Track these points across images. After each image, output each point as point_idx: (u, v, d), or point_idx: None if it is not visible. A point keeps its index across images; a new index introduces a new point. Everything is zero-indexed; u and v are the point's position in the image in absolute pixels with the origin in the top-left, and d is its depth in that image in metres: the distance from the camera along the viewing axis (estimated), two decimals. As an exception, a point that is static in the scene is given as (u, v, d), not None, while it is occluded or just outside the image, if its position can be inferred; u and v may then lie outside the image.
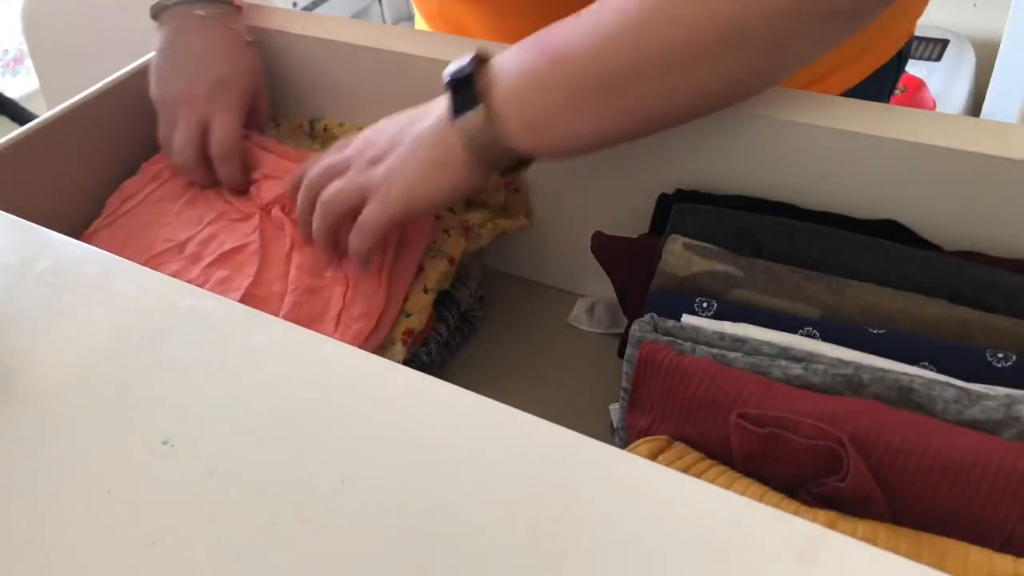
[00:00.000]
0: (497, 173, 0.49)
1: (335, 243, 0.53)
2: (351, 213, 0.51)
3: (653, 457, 0.40)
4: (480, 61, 0.48)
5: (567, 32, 0.45)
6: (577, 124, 0.46)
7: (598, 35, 0.44)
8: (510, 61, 0.47)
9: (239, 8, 0.65)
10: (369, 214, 0.50)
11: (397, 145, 0.50)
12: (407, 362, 0.55)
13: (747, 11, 0.41)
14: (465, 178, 0.48)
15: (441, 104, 0.49)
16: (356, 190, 0.50)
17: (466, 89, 0.47)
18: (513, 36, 0.49)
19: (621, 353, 0.54)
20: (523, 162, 0.49)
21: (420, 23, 0.76)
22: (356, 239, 0.51)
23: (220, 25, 0.63)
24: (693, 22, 0.42)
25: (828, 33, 0.43)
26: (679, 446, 0.40)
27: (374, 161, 0.50)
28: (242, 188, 0.62)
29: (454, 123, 0.47)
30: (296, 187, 0.54)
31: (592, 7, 0.45)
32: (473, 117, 0.46)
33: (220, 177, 0.62)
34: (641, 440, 0.41)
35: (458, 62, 0.48)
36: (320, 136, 0.66)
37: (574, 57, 0.44)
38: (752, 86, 0.46)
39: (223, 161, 0.61)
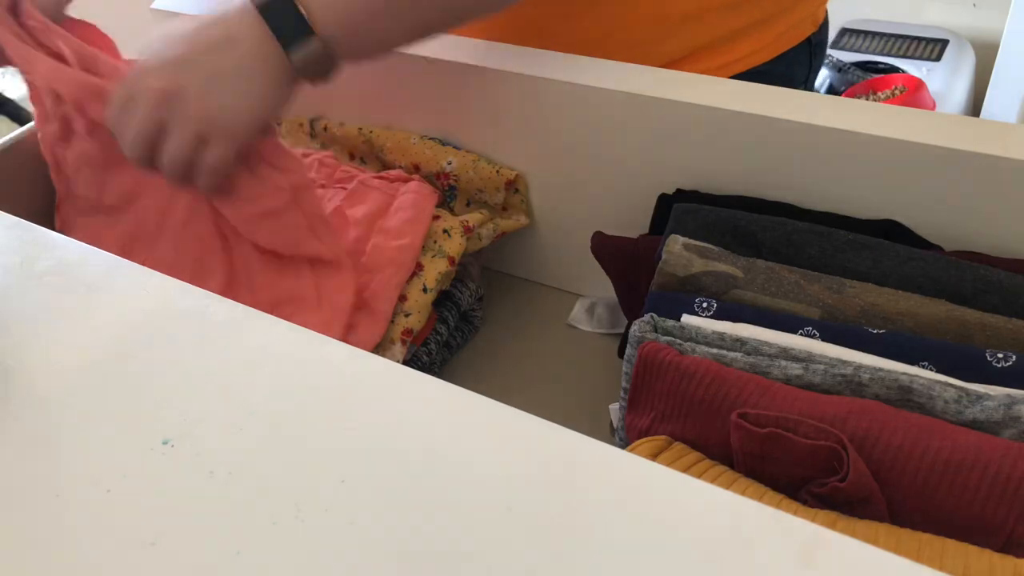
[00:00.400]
0: (311, 82, 0.51)
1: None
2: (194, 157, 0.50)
3: (653, 457, 0.40)
4: None
5: None
6: (391, 31, 0.52)
7: None
8: None
9: None
10: (212, 157, 0.49)
11: (214, 77, 0.49)
12: (407, 362, 0.55)
13: None
14: (292, 91, 0.51)
15: (248, 27, 0.49)
16: (192, 139, 0.49)
17: (285, 14, 0.48)
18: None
19: (621, 353, 0.54)
20: (336, 68, 0.52)
21: None
22: (209, 182, 0.50)
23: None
24: None
25: None
26: (679, 446, 0.40)
27: (194, 101, 0.48)
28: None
29: (285, 54, 0.49)
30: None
31: None
32: (309, 47, 0.49)
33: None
34: (641, 440, 0.41)
35: None
36: (320, 135, 0.66)
37: None
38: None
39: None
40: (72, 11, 0.59)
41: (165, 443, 0.32)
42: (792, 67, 0.71)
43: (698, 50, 0.65)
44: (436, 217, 0.58)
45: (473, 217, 0.59)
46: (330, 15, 0.49)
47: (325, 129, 0.65)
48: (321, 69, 0.51)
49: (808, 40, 0.71)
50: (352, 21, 0.50)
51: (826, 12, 0.75)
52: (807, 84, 0.74)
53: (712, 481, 0.38)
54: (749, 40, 0.67)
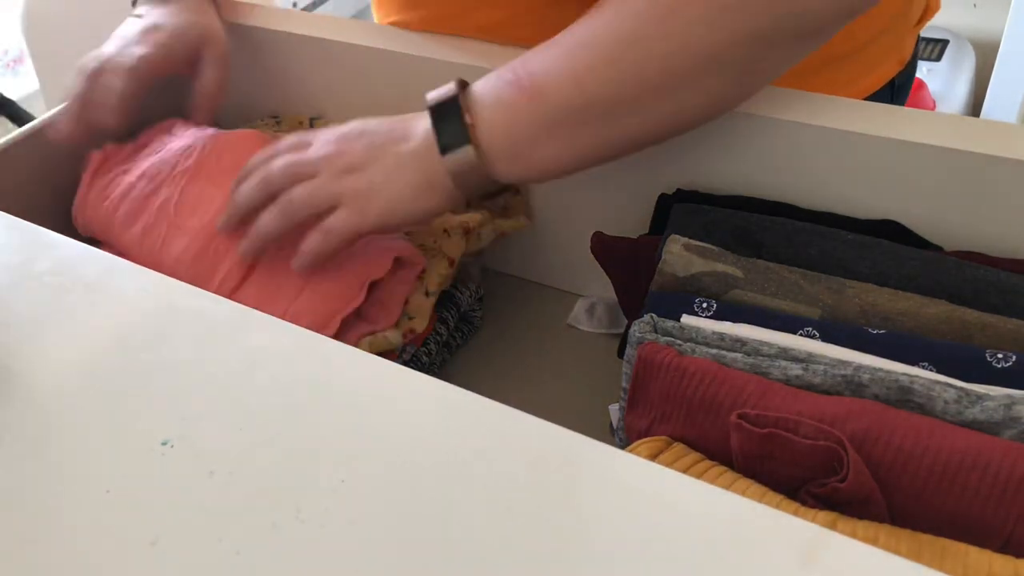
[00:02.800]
0: (477, 198, 0.50)
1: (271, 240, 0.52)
2: (314, 218, 0.50)
3: (652, 458, 0.40)
4: (461, 88, 0.49)
5: (543, 65, 0.47)
6: (556, 154, 0.48)
7: (574, 69, 0.46)
8: (490, 94, 0.48)
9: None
10: (340, 221, 0.49)
11: (377, 159, 0.50)
12: (407, 362, 0.55)
13: (718, 42, 0.43)
14: (445, 203, 0.50)
15: (423, 127, 0.49)
16: (328, 196, 0.50)
17: (451, 119, 0.48)
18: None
19: (621, 353, 0.54)
20: (504, 188, 0.50)
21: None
22: (320, 243, 0.50)
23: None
24: (666, 56, 0.44)
25: (796, 51, 0.45)
26: (678, 447, 0.40)
27: (349, 170, 0.50)
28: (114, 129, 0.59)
29: (441, 158, 0.48)
30: (245, 176, 0.53)
31: (565, 36, 0.47)
32: (464, 154, 0.47)
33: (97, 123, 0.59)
34: (640, 441, 0.41)
35: (440, 90, 0.49)
36: None
37: (551, 92, 0.46)
38: (725, 107, 0.48)
39: (102, 80, 0.58)
40: (77, 13, 0.60)
41: (165, 443, 0.32)
42: None
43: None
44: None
45: (473, 218, 0.59)
46: (491, 131, 0.47)
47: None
48: (477, 182, 0.49)
49: (891, 83, 0.67)
50: (511, 143, 0.47)
51: (914, 42, 0.70)
52: None
53: (712, 482, 0.38)
54: (814, 86, 0.61)
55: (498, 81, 0.48)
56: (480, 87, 0.49)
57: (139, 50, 0.59)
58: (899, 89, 0.69)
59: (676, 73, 0.44)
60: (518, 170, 0.48)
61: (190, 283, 0.39)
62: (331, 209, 0.49)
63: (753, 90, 0.47)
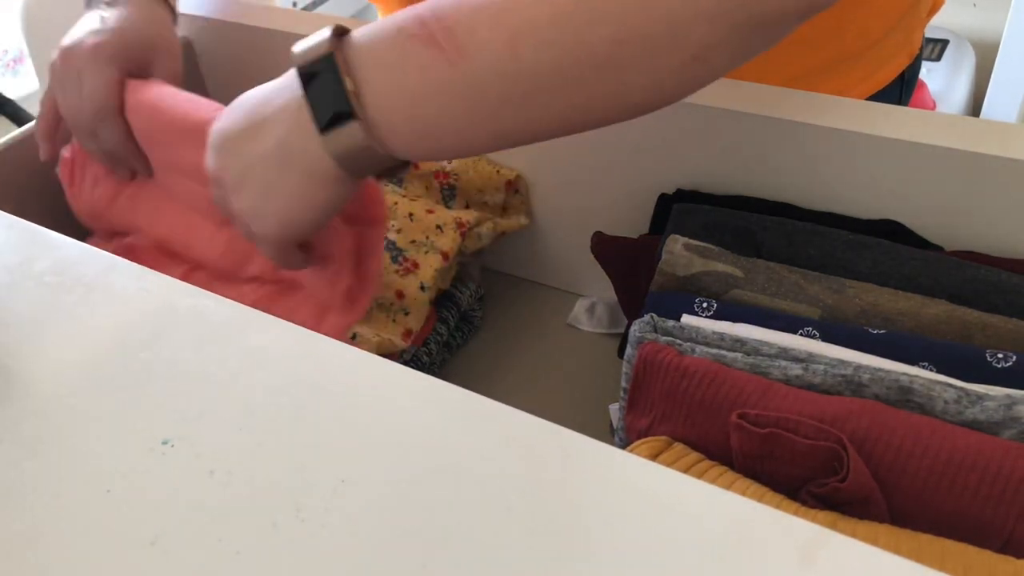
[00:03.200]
0: (373, 177, 0.43)
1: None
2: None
3: (653, 458, 0.40)
4: (338, 40, 0.38)
5: (463, 16, 0.37)
6: (475, 130, 0.39)
7: (506, 27, 0.36)
8: (385, 49, 0.38)
9: None
10: (267, 254, 0.45)
11: (247, 169, 0.42)
12: (407, 362, 0.55)
13: (677, 15, 0.35)
14: (341, 192, 0.41)
15: (289, 103, 0.40)
16: (245, 231, 0.44)
17: (328, 85, 0.38)
18: None
19: (621, 353, 0.54)
20: (403, 165, 0.42)
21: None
22: (279, 266, 0.46)
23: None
24: (619, 22, 0.36)
25: (750, 45, 0.38)
26: (679, 447, 0.40)
27: (234, 190, 0.43)
28: (126, 159, 0.55)
29: (318, 137, 0.39)
30: None
31: None
32: (347, 132, 0.38)
33: (97, 143, 0.54)
34: (640, 441, 0.41)
35: (308, 42, 0.39)
36: None
37: (477, 52, 0.36)
38: (666, 98, 0.39)
39: (99, 120, 0.53)
40: (77, 14, 0.60)
41: (165, 443, 0.32)
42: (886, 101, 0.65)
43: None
44: (430, 211, 0.58)
45: (468, 214, 0.59)
46: (386, 99, 0.38)
47: None
48: (369, 164, 0.40)
49: (901, 76, 0.66)
50: (413, 115, 0.38)
51: (921, 37, 0.67)
52: None
53: (712, 482, 0.38)
54: (830, 81, 0.61)
55: (397, 33, 0.38)
56: (367, 37, 0.39)
57: (93, 39, 0.54)
58: (908, 82, 0.67)
59: (627, 44, 0.36)
60: (424, 147, 0.39)
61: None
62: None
63: (702, 79, 0.39)
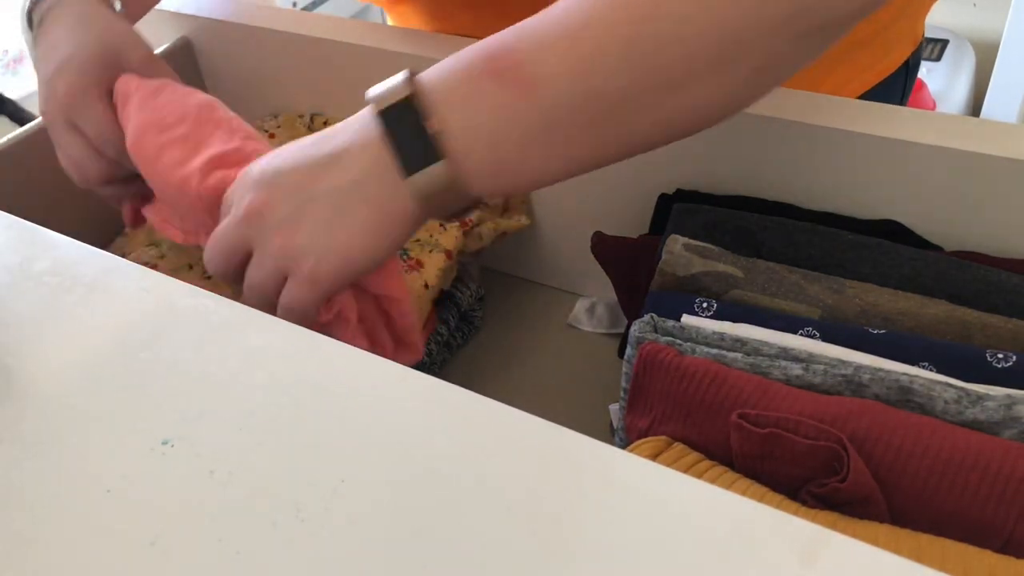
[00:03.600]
0: (442, 219, 0.41)
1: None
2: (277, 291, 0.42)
3: (653, 458, 0.40)
4: (412, 83, 0.39)
5: (533, 48, 0.38)
6: (548, 162, 0.39)
7: (576, 56, 0.37)
8: (458, 89, 0.38)
9: None
10: (294, 298, 0.41)
11: (307, 203, 0.40)
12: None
13: (743, 25, 0.36)
14: (408, 232, 0.41)
15: (370, 144, 0.39)
16: (272, 271, 0.41)
17: (408, 129, 0.38)
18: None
19: (621, 353, 0.54)
20: (476, 204, 0.41)
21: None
22: (291, 318, 0.41)
23: (63, 13, 0.52)
24: (687, 39, 0.36)
25: (817, 43, 0.38)
26: (679, 447, 0.40)
27: (279, 229, 0.40)
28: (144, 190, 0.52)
29: (404, 180, 0.39)
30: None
31: (557, 12, 0.38)
32: (434, 173, 0.38)
33: (122, 187, 0.52)
34: (641, 441, 0.41)
35: (384, 87, 0.39)
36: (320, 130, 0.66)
37: (549, 84, 0.37)
38: (739, 106, 0.40)
39: (122, 158, 0.50)
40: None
41: (165, 443, 0.32)
42: (889, 93, 0.66)
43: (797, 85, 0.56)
44: None
45: (473, 215, 0.59)
46: (469, 138, 0.38)
47: (326, 123, 0.65)
48: (450, 204, 0.39)
49: (906, 63, 0.66)
50: (494, 151, 0.38)
51: (924, 25, 0.68)
52: (902, 103, 0.69)
53: (712, 482, 0.38)
54: (840, 70, 0.61)
55: (469, 69, 0.38)
56: (440, 78, 0.39)
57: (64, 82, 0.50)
58: (912, 70, 0.67)
59: (697, 60, 0.36)
60: (502, 184, 0.40)
61: None
62: (285, 280, 0.41)
63: (768, 87, 0.40)
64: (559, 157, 0.39)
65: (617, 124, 0.38)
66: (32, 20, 0.54)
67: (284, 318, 0.40)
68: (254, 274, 0.41)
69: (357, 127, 0.40)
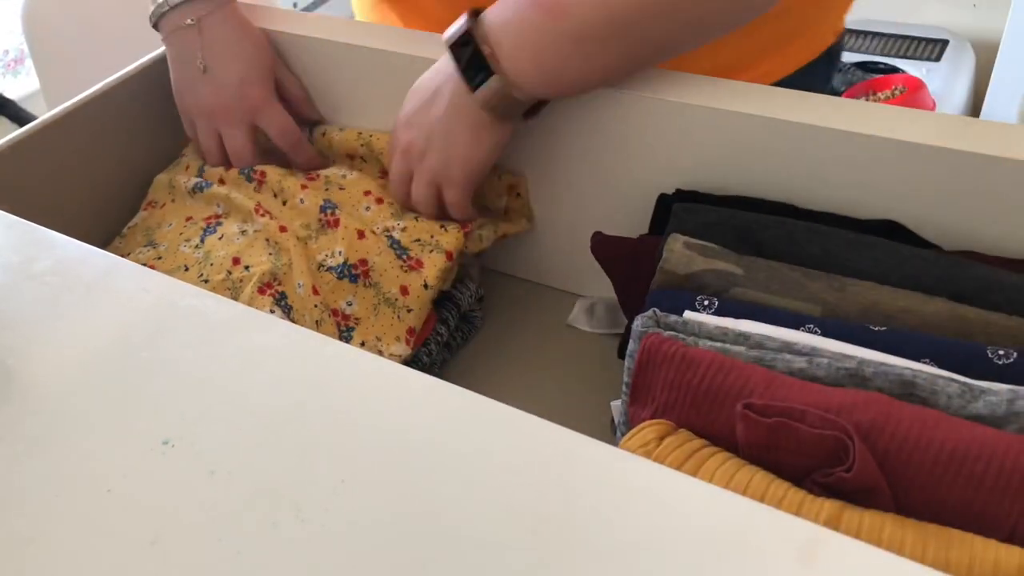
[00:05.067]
0: (521, 117, 0.53)
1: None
2: (439, 199, 0.57)
3: (659, 440, 0.39)
4: (474, 20, 0.50)
5: None
6: (585, 70, 0.50)
7: None
8: (509, 19, 0.50)
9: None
10: (451, 198, 0.56)
11: (433, 133, 0.54)
12: (407, 362, 0.55)
13: None
14: (501, 132, 0.54)
15: (449, 75, 0.52)
16: (429, 187, 0.56)
17: (471, 55, 0.50)
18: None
19: (621, 354, 0.54)
20: (541, 103, 0.53)
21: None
22: (457, 216, 0.57)
23: (220, 23, 0.62)
24: None
25: None
26: (684, 432, 0.40)
27: (422, 156, 0.55)
28: (319, 165, 0.64)
29: (472, 94, 0.51)
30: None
31: None
32: (491, 85, 0.50)
33: (297, 166, 0.64)
34: (645, 424, 0.41)
35: (453, 26, 0.51)
36: (318, 141, 0.66)
37: (574, 9, 0.48)
38: (750, 11, 0.52)
39: (294, 151, 0.64)
40: (77, 13, 0.59)
41: (165, 443, 0.32)
42: (813, 79, 0.70)
43: (721, 69, 0.62)
44: None
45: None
46: (516, 56, 0.50)
47: (324, 135, 0.65)
48: (514, 106, 0.51)
49: (828, 51, 0.70)
50: (537, 64, 0.50)
51: (844, 22, 0.74)
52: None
53: (717, 468, 0.38)
54: (773, 56, 0.66)
55: (516, 4, 0.50)
56: (495, 13, 0.50)
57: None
58: (833, 59, 0.73)
59: None
60: (550, 89, 0.51)
61: None
62: (440, 190, 0.56)
63: (758, 6, 0.51)
64: (594, 64, 0.50)
65: (636, 37, 0.49)
66: (160, 21, 0.64)
67: (453, 212, 0.57)
68: (417, 192, 0.57)
69: (441, 64, 0.53)
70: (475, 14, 0.51)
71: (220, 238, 0.58)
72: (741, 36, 0.62)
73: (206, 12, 0.62)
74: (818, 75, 0.71)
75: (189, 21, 0.62)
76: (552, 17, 0.48)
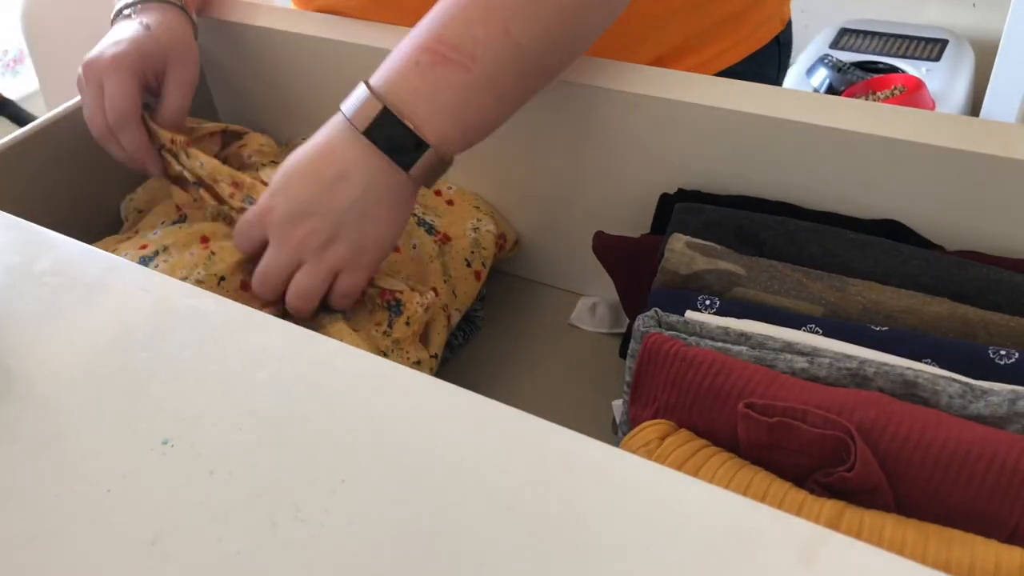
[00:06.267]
0: (430, 185, 0.50)
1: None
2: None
3: (660, 439, 0.39)
4: (375, 93, 0.47)
5: (461, 31, 0.46)
6: (501, 111, 0.49)
7: (498, 22, 0.46)
8: (415, 85, 0.46)
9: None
10: (348, 284, 0.50)
11: (340, 224, 0.48)
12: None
13: None
14: (412, 202, 0.51)
15: (358, 158, 0.47)
16: (326, 276, 0.50)
17: (394, 134, 0.47)
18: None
19: (623, 353, 0.54)
20: (451, 161, 0.50)
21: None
22: (343, 304, 0.51)
23: (167, 30, 0.60)
24: None
25: None
26: (684, 432, 0.40)
27: (326, 245, 0.49)
28: (144, 163, 0.59)
29: (404, 173, 0.47)
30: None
31: (444, 3, 0.48)
32: (427, 158, 0.47)
33: (120, 148, 0.59)
34: (647, 423, 0.41)
35: (354, 103, 0.47)
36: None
37: (485, 55, 0.46)
38: (616, 14, 0.51)
39: (118, 128, 0.57)
40: (77, 13, 0.59)
41: (165, 443, 0.32)
42: (764, 66, 0.71)
43: (668, 53, 0.65)
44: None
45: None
46: (435, 125, 0.47)
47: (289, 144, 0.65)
48: (441, 172, 0.49)
49: (776, 39, 0.72)
50: (462, 123, 0.47)
51: (790, 11, 0.75)
52: (778, 83, 0.75)
53: (718, 468, 0.38)
54: (719, 39, 0.67)
55: (416, 66, 0.46)
56: (394, 81, 0.47)
57: (114, 49, 0.57)
58: (784, 47, 0.73)
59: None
60: (471, 142, 0.49)
61: None
62: (335, 279, 0.50)
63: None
64: (511, 104, 0.49)
65: (549, 62, 0.49)
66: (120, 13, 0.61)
67: (340, 303, 0.51)
68: (306, 282, 0.50)
69: (346, 143, 0.48)
70: (369, 88, 0.47)
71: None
72: (684, 22, 0.64)
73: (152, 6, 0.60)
74: (770, 63, 0.72)
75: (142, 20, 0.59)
76: (463, 69, 0.46)
